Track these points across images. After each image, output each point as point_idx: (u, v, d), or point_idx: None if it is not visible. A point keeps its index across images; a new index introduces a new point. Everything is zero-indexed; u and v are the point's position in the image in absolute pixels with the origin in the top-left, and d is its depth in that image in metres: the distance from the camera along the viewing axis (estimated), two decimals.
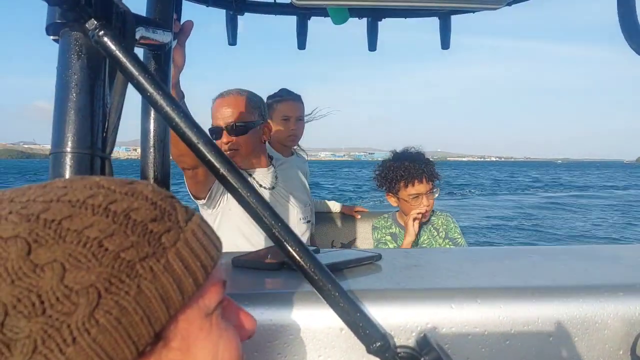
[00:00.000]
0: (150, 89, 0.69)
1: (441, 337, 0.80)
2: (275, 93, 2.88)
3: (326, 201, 3.30)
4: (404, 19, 2.89)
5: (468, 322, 0.81)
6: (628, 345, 0.83)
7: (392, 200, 2.60)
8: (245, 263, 1.00)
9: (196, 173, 1.92)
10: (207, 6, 2.54)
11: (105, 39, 0.68)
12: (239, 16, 2.73)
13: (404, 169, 2.51)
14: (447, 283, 0.89)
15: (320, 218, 3.18)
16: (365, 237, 3.17)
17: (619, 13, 1.65)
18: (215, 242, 0.56)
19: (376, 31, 2.88)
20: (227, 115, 2.29)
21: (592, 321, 0.83)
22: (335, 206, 3.26)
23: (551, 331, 0.82)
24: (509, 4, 2.18)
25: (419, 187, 2.49)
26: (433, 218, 2.62)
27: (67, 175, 0.69)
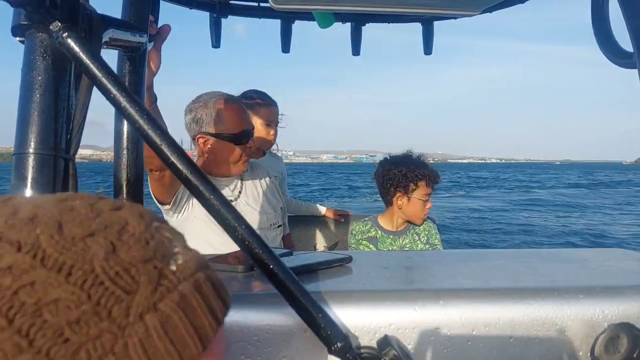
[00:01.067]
0: (114, 90, 0.70)
1: (404, 338, 0.81)
2: (252, 94, 2.86)
3: (313, 205, 3.31)
4: (387, 24, 2.93)
5: (430, 323, 0.82)
6: (588, 346, 0.85)
7: (402, 201, 2.56)
8: (215, 266, 1.01)
9: (163, 175, 1.89)
10: (190, 8, 2.54)
11: (70, 40, 0.68)
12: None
13: (424, 169, 2.54)
14: (413, 285, 0.90)
15: (304, 221, 3.19)
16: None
17: (593, 22, 1.69)
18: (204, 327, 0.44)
19: (360, 36, 2.91)
20: (249, 120, 2.30)
21: (553, 323, 0.84)
22: (321, 209, 3.27)
23: (512, 332, 0.83)
24: (487, 11, 2.21)
25: (429, 190, 2.55)
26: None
27: (30, 176, 0.69)
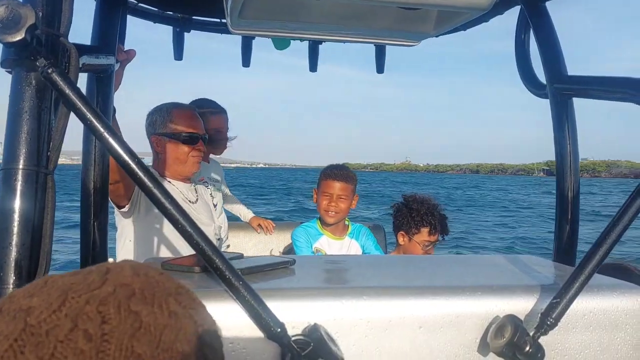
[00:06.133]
0: (91, 117, 0.83)
1: (332, 327, 0.96)
2: (202, 103, 3.01)
3: (243, 207, 3.43)
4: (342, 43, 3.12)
5: (354, 315, 0.98)
6: (482, 333, 1.03)
7: (403, 239, 2.77)
8: (173, 267, 1.15)
9: (117, 187, 2.07)
10: (154, 22, 2.66)
11: (53, 75, 0.82)
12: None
13: (432, 217, 2.72)
14: (343, 284, 1.07)
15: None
16: None
17: (516, 56, 1.92)
18: None
19: (317, 53, 3.09)
20: (201, 126, 2.49)
21: (455, 314, 1.02)
22: (247, 215, 3.39)
23: (422, 322, 1.01)
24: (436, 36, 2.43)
25: (435, 237, 2.74)
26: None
27: (18, 187, 0.82)
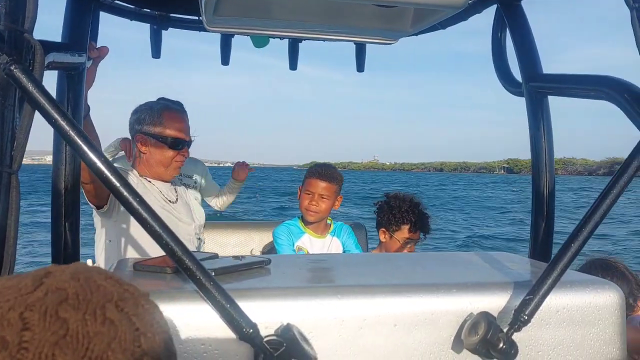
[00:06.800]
0: (56, 115, 0.81)
1: (306, 327, 0.96)
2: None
3: (227, 186, 3.46)
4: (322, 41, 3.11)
5: (329, 314, 0.98)
6: (456, 330, 1.04)
7: (384, 236, 2.78)
8: (145, 267, 1.13)
9: (92, 187, 2.06)
10: (130, 20, 2.62)
11: (16, 72, 0.80)
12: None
13: (413, 214, 2.72)
14: (318, 283, 1.06)
15: (242, 227, 3.34)
16: None
17: (493, 54, 1.93)
18: None
19: (297, 52, 3.08)
20: (188, 132, 2.45)
21: (430, 312, 1.02)
22: (231, 184, 3.42)
23: (397, 320, 1.00)
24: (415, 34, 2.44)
25: (415, 235, 2.73)
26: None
27: None
